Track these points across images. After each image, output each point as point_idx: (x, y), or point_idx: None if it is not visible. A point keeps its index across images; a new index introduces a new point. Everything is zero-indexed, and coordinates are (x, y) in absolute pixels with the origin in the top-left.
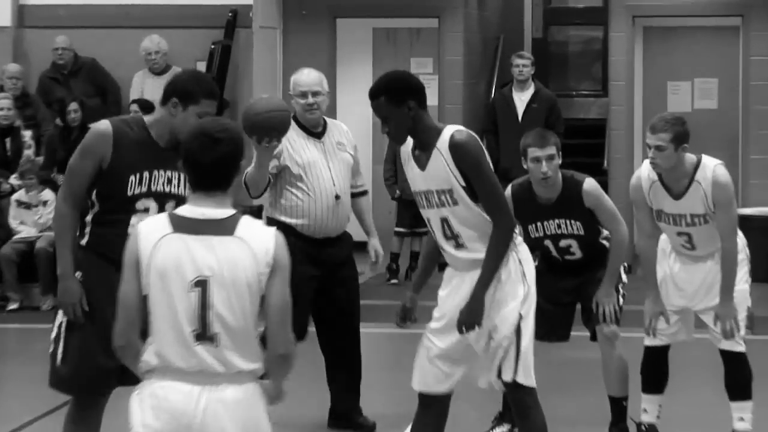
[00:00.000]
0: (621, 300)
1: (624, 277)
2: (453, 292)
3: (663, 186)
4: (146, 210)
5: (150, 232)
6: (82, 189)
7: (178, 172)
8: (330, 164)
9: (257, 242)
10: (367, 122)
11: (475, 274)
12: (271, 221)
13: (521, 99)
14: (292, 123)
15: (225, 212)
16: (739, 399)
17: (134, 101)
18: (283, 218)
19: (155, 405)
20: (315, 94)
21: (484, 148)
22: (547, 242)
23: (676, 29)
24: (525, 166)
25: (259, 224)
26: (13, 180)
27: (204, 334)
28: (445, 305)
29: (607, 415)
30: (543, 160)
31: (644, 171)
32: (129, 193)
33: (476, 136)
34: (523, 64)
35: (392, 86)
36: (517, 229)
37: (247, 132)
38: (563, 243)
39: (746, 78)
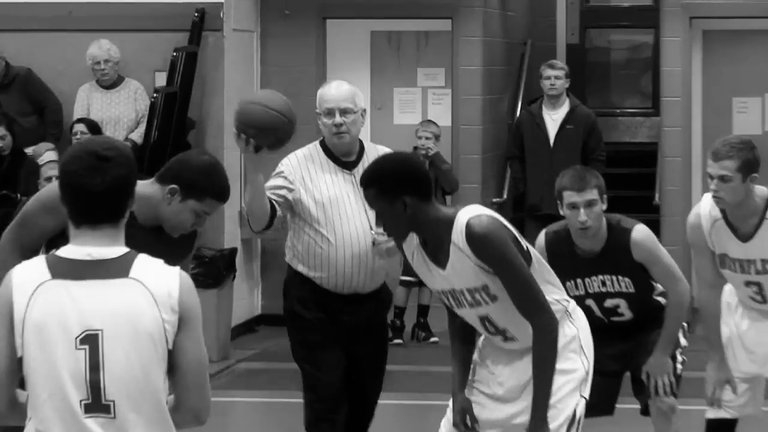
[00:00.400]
0: (679, 367)
1: (683, 339)
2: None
3: (728, 225)
4: None
5: (25, 281)
6: (35, 245)
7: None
8: (364, 201)
9: (157, 284)
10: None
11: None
12: (290, 269)
13: (553, 118)
14: (317, 150)
15: (116, 250)
16: None
17: (79, 120)
18: (300, 267)
19: None
20: (345, 112)
21: (506, 227)
22: (590, 302)
23: (743, 33)
24: (561, 212)
25: (159, 263)
26: None
27: (96, 404)
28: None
29: None
30: (581, 207)
31: (705, 207)
32: None
33: (496, 216)
34: (555, 75)
35: (384, 178)
36: (563, 292)
37: (236, 122)
38: (609, 303)
39: None
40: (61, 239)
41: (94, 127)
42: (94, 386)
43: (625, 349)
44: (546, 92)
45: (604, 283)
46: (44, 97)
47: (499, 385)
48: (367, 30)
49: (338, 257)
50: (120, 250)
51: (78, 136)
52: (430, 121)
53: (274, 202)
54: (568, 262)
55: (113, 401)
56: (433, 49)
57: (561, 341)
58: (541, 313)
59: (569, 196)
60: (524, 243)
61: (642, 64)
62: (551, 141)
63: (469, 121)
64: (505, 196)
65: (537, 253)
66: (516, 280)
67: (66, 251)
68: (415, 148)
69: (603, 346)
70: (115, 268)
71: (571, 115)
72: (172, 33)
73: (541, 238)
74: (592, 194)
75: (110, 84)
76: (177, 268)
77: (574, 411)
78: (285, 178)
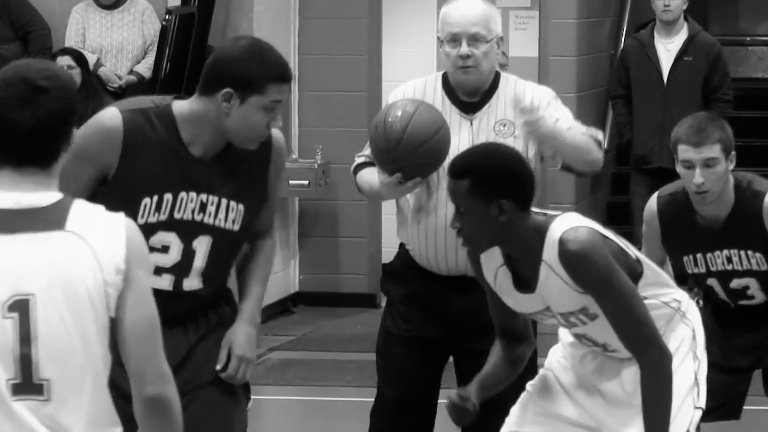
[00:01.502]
0: None
1: None
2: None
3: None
4: (164, 249)
5: None
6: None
7: (218, 197)
8: None
9: (100, 237)
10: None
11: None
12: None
13: (667, 48)
14: (435, 83)
15: (49, 197)
16: None
17: (64, 51)
18: (401, 238)
19: None
20: (475, 39)
21: (608, 240)
22: (712, 281)
23: None
24: (677, 169)
25: (99, 210)
26: None
27: (27, 384)
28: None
29: None
30: (698, 166)
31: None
32: (141, 221)
33: (595, 228)
34: None
35: (484, 172)
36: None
37: (383, 164)
38: (736, 283)
39: None
40: (99, 199)
41: (82, 61)
42: (25, 362)
43: (757, 341)
44: (659, 16)
45: (730, 260)
46: (28, 19)
47: (602, 396)
48: None
49: (428, 226)
50: (52, 196)
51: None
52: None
53: None
54: (687, 232)
55: (47, 380)
56: None
57: (672, 344)
58: (649, 348)
59: (684, 151)
60: (632, 252)
61: None
62: (665, 77)
63: (561, 52)
64: (605, 145)
65: (647, 259)
66: (620, 310)
67: None
68: None
69: (730, 337)
70: (49, 219)
71: (690, 45)
72: None
73: (653, 203)
74: (713, 151)
75: (112, 3)
76: (121, 215)
77: (689, 424)
78: None
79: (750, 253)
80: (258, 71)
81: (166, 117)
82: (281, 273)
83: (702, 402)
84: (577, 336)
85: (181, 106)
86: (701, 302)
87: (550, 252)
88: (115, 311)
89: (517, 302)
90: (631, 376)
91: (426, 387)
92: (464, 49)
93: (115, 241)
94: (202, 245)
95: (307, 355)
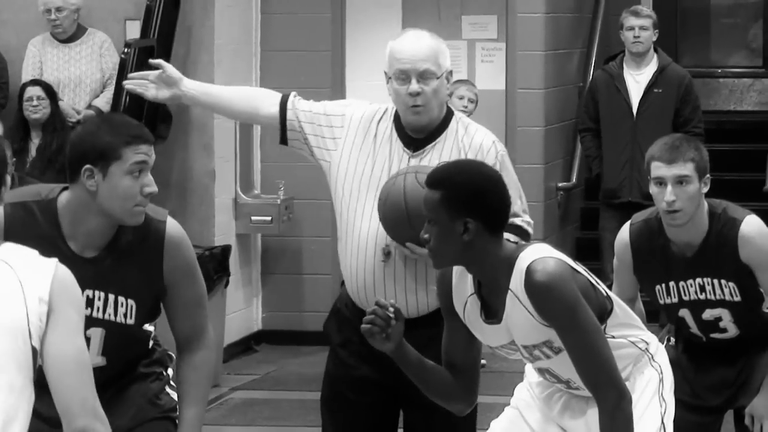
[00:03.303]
0: None
1: None
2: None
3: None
4: None
5: None
6: None
7: (104, 292)
8: None
9: (28, 268)
10: None
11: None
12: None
13: (637, 80)
14: (386, 115)
15: None
16: None
17: (34, 82)
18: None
19: None
20: (424, 76)
21: (577, 273)
22: (684, 312)
23: None
24: (650, 189)
25: (29, 250)
26: None
27: None
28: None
29: None
30: (669, 183)
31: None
32: None
33: (564, 260)
34: (640, 25)
35: (456, 187)
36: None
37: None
38: (708, 314)
39: None
40: None
41: (51, 92)
42: None
43: (729, 378)
44: (628, 47)
45: (703, 289)
46: None
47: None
48: None
49: (352, 262)
50: None
51: (34, 102)
52: (464, 80)
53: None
54: (660, 260)
55: None
56: None
57: (639, 385)
58: (608, 389)
59: (656, 169)
60: (603, 288)
61: (750, 10)
62: (634, 109)
63: (528, 85)
64: (574, 179)
65: (617, 299)
66: (581, 347)
67: None
68: None
69: (702, 375)
70: None
71: (660, 77)
72: None
73: (625, 231)
74: (686, 169)
75: (69, 36)
76: (55, 259)
77: None
78: (335, 128)
79: (723, 282)
80: (109, 139)
81: (49, 211)
82: (244, 311)
83: None
84: (541, 371)
85: (63, 198)
86: (672, 339)
87: (516, 281)
88: (39, 342)
89: (484, 334)
90: (596, 415)
91: None
92: (414, 86)
93: (42, 273)
94: (95, 336)
95: (270, 395)
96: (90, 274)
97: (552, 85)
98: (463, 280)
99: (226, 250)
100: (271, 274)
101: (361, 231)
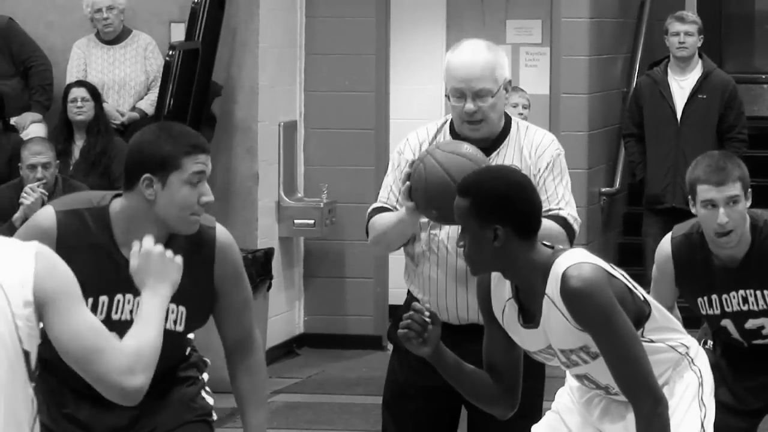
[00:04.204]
0: None
1: None
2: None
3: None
4: None
5: None
6: None
7: None
8: None
9: (6, 271)
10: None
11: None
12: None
13: (681, 86)
14: (444, 131)
15: None
16: None
17: (79, 83)
18: (411, 287)
19: None
20: (480, 95)
21: (614, 278)
22: (726, 322)
23: None
24: (693, 210)
25: (9, 244)
26: None
27: None
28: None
29: None
30: (721, 206)
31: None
32: None
33: (601, 265)
34: (685, 31)
35: (484, 194)
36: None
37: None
38: (751, 324)
39: None
40: None
41: (96, 94)
42: None
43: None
44: (673, 52)
45: (746, 300)
46: (29, 55)
47: None
48: None
49: (438, 275)
50: None
51: (78, 104)
52: (515, 87)
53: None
54: (702, 274)
55: None
56: None
57: (678, 389)
58: (644, 396)
59: (705, 192)
60: (640, 293)
61: None
62: (678, 115)
63: (572, 90)
64: (617, 184)
65: (656, 302)
66: (617, 353)
67: None
68: None
69: (742, 378)
70: None
71: (705, 82)
72: None
73: (666, 244)
74: (735, 189)
75: (114, 38)
76: (34, 243)
77: None
78: (393, 186)
79: (767, 293)
80: (169, 148)
81: (102, 218)
82: (286, 314)
83: None
84: (579, 377)
85: (116, 205)
86: (710, 342)
87: (552, 286)
88: (31, 344)
89: (522, 338)
90: (628, 421)
91: None
92: (469, 106)
93: (23, 274)
94: None
95: (312, 398)
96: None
97: (596, 90)
98: (501, 285)
99: (269, 253)
100: (314, 278)
101: (439, 242)
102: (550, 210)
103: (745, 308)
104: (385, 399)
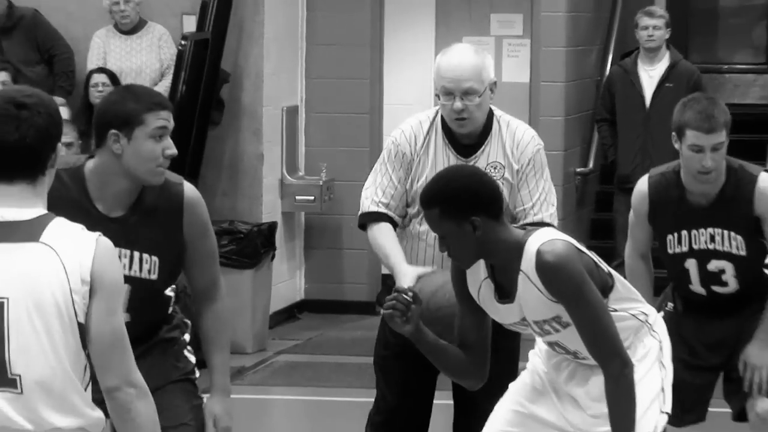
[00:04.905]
0: None
1: None
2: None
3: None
4: None
5: None
6: None
7: (130, 250)
8: None
9: (69, 250)
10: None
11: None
12: None
13: (650, 75)
14: (435, 123)
15: (31, 212)
16: None
17: (100, 70)
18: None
19: None
20: (468, 93)
21: (583, 254)
22: (690, 263)
23: None
24: (676, 146)
25: (77, 228)
26: None
27: (2, 378)
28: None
29: None
30: (707, 151)
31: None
32: None
33: (571, 242)
34: (653, 25)
35: (450, 198)
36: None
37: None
38: (713, 265)
39: None
40: None
41: (115, 79)
42: None
43: (728, 339)
44: (642, 44)
45: (713, 239)
46: (53, 44)
47: (575, 399)
48: None
49: (419, 256)
50: (35, 212)
51: (99, 88)
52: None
53: (394, 219)
54: (675, 210)
55: (19, 375)
56: None
57: (640, 352)
58: (612, 358)
59: (694, 137)
60: (605, 266)
61: (754, 12)
62: (647, 102)
63: (551, 78)
64: (591, 165)
65: (619, 276)
66: (589, 321)
67: None
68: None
69: (701, 336)
70: (26, 232)
71: (672, 72)
72: None
73: (643, 183)
74: (721, 136)
75: (131, 28)
76: (97, 234)
77: (654, 429)
78: (392, 174)
79: (732, 234)
80: (133, 106)
81: (77, 176)
82: (288, 282)
83: (668, 407)
84: (550, 344)
85: (89, 164)
86: (670, 304)
87: (527, 263)
88: (84, 318)
89: (498, 313)
90: (598, 383)
91: (423, 393)
92: (458, 104)
93: (83, 254)
94: (125, 294)
95: (311, 359)
96: (116, 233)
97: (572, 78)
98: (476, 267)
99: (272, 226)
100: (313, 249)
101: (420, 231)
102: (534, 214)
103: (711, 247)
104: (376, 358)
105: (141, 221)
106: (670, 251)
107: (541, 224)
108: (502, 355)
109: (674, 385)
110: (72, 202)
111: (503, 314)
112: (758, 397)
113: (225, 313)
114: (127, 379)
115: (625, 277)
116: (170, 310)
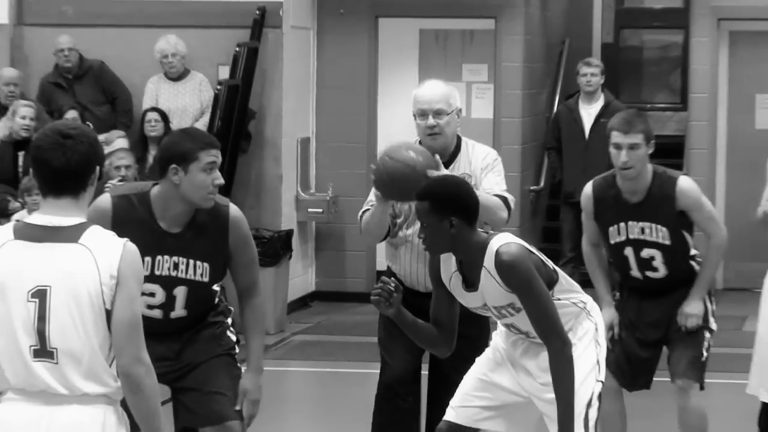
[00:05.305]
0: (705, 354)
1: (713, 324)
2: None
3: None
4: (151, 294)
5: None
6: None
7: (186, 258)
8: None
9: (102, 252)
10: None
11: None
12: (389, 268)
13: (589, 112)
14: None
15: (73, 220)
16: None
17: (153, 109)
18: (392, 265)
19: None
20: (438, 114)
21: (533, 254)
22: (628, 251)
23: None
24: (610, 149)
25: (109, 234)
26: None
27: (43, 350)
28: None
29: None
30: (624, 149)
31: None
32: None
33: (523, 245)
34: (591, 72)
35: (439, 195)
36: (583, 297)
37: (375, 173)
38: (645, 253)
39: None
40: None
41: (165, 117)
42: (41, 334)
43: (662, 317)
44: (582, 88)
45: (643, 230)
46: (115, 88)
47: (528, 371)
48: (416, 28)
49: (405, 254)
50: (76, 220)
51: (152, 123)
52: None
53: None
54: (613, 206)
55: (56, 348)
56: (477, 47)
57: (579, 333)
58: (555, 338)
59: (615, 137)
60: (551, 265)
61: (672, 62)
62: (586, 133)
63: (510, 115)
64: (542, 183)
65: (562, 272)
66: (536, 307)
67: (31, 218)
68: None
69: (642, 315)
70: (68, 235)
71: (606, 110)
72: (234, 29)
73: (588, 186)
74: (637, 138)
75: (177, 76)
76: (125, 240)
77: (591, 394)
78: None
79: (658, 227)
80: (189, 145)
81: (144, 200)
82: (302, 277)
83: (602, 377)
84: (507, 326)
85: (154, 190)
86: (618, 294)
87: (489, 260)
88: (110, 306)
89: (465, 299)
90: (546, 357)
91: (414, 363)
92: (430, 121)
93: (112, 255)
94: (180, 292)
95: (321, 338)
96: (176, 245)
97: (527, 115)
98: (448, 261)
99: (289, 233)
100: (322, 251)
101: (412, 236)
102: (493, 192)
103: (642, 237)
104: (380, 336)
105: (195, 236)
106: (612, 241)
107: (504, 201)
108: (470, 341)
109: (626, 358)
110: (140, 220)
111: (469, 300)
112: (678, 378)
113: (262, 307)
114: (138, 356)
115: (573, 271)
116: (216, 300)
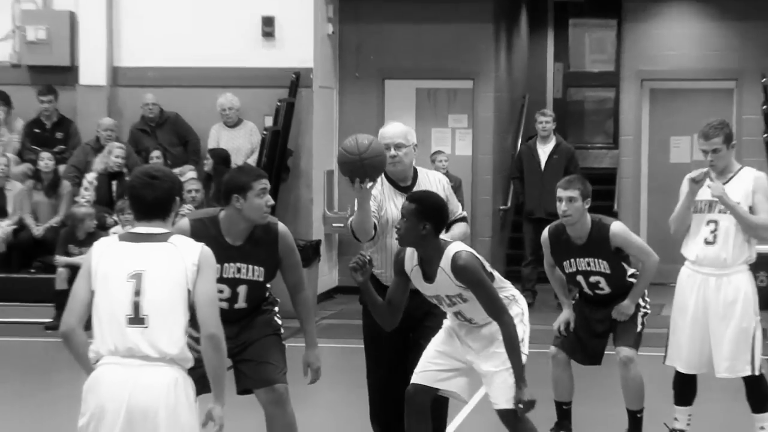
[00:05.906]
0: (639, 327)
1: (647, 306)
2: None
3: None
4: (221, 291)
5: (101, 244)
6: None
7: (246, 264)
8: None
9: (185, 247)
10: None
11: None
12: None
13: (544, 150)
14: (383, 177)
15: (162, 230)
16: (760, 411)
17: (210, 151)
18: (375, 263)
19: (90, 387)
20: (398, 146)
21: (478, 259)
22: (579, 277)
23: (679, 91)
24: (557, 204)
25: (190, 239)
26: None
27: (136, 317)
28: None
29: (625, 424)
30: (564, 201)
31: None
32: None
33: (472, 252)
34: (545, 120)
35: (425, 203)
36: (514, 291)
37: (342, 172)
38: (593, 279)
39: (739, 134)
40: None
41: (223, 157)
42: (136, 305)
43: (607, 316)
44: (539, 132)
45: (588, 264)
46: (187, 134)
47: (471, 347)
48: (413, 87)
49: (387, 263)
50: (166, 230)
51: (208, 159)
52: (440, 151)
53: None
54: (565, 246)
55: (147, 315)
56: (460, 101)
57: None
58: (502, 314)
59: (558, 192)
60: (489, 268)
61: (606, 112)
62: (542, 167)
63: (485, 152)
64: (509, 204)
65: (498, 274)
66: (486, 295)
67: (133, 229)
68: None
69: (592, 313)
70: (160, 238)
71: (557, 149)
72: (276, 89)
73: (545, 232)
74: (573, 193)
75: (233, 124)
76: (202, 244)
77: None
78: (374, 197)
79: (599, 260)
80: (245, 178)
81: (214, 221)
82: (328, 276)
83: (526, 350)
84: (455, 313)
85: (222, 214)
86: (577, 295)
87: (445, 262)
88: (192, 287)
89: (423, 287)
90: (480, 337)
91: (400, 358)
92: (392, 152)
93: (193, 251)
94: (242, 290)
95: (344, 321)
96: (238, 254)
97: (497, 152)
98: (411, 256)
99: (318, 242)
100: (343, 255)
101: (387, 243)
102: (459, 213)
103: (588, 268)
104: (366, 344)
105: (252, 247)
106: (567, 271)
107: (462, 219)
108: (432, 330)
109: (580, 344)
110: (211, 237)
111: (426, 289)
112: (621, 348)
113: (308, 299)
114: (219, 324)
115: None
116: (267, 293)
